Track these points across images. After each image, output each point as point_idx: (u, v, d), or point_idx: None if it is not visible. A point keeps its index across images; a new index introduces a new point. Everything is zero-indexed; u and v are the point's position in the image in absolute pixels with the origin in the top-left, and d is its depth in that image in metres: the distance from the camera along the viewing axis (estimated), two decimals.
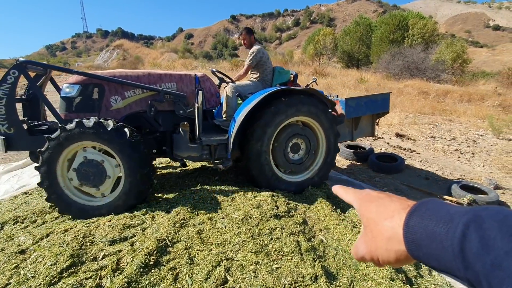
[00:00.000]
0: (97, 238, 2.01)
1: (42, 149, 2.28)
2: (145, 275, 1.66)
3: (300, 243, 2.01)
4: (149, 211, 2.40)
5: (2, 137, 2.48)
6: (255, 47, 3.53)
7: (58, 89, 3.09)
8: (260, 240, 2.00)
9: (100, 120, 2.38)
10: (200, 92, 2.80)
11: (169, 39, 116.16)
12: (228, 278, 1.68)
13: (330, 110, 3.24)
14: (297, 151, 3.15)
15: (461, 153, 5.88)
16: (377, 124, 4.49)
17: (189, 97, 2.94)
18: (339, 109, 3.66)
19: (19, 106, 2.63)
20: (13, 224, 2.41)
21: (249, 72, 3.67)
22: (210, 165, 3.84)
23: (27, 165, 4.24)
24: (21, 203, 2.87)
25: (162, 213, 2.35)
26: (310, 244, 2.02)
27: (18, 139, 2.53)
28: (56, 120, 2.69)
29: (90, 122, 2.31)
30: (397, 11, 28.86)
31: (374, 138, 6.35)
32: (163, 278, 1.66)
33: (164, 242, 1.93)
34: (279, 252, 1.91)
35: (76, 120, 2.33)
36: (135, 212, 2.38)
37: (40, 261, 1.75)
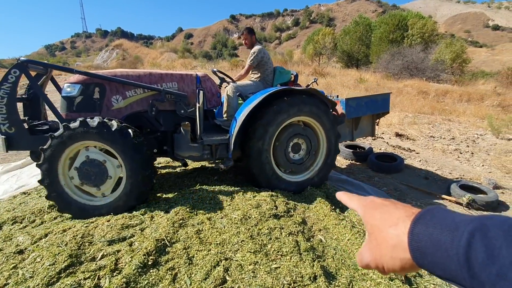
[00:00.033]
0: (95, 238, 2.01)
1: (44, 147, 2.28)
2: (144, 275, 1.66)
3: (299, 243, 2.01)
4: (148, 211, 2.40)
5: (3, 136, 2.48)
6: (256, 47, 3.54)
7: (59, 89, 3.08)
8: (259, 240, 2.00)
9: (104, 120, 2.37)
10: (201, 92, 2.80)
11: (168, 39, 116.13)
12: (227, 278, 1.67)
13: (331, 110, 3.25)
14: (298, 151, 3.15)
15: (461, 153, 5.88)
16: (377, 124, 4.50)
17: (190, 97, 2.94)
18: (340, 109, 3.67)
19: (19, 106, 2.62)
20: (12, 224, 2.40)
21: (250, 72, 3.67)
22: (210, 165, 3.84)
23: (26, 165, 4.23)
24: (20, 203, 2.87)
25: (161, 213, 2.35)
26: (309, 244, 2.02)
27: (19, 138, 2.53)
28: (57, 120, 2.69)
29: (94, 121, 2.31)
30: (397, 11, 28.84)
31: (373, 138, 6.35)
32: (161, 278, 1.66)
33: (162, 242, 1.93)
34: (278, 252, 1.91)
35: (80, 119, 2.32)
36: (134, 212, 2.38)
37: (39, 261, 1.74)
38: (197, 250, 1.89)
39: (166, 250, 1.88)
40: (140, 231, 2.11)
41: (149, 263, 1.74)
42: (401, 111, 9.80)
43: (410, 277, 1.91)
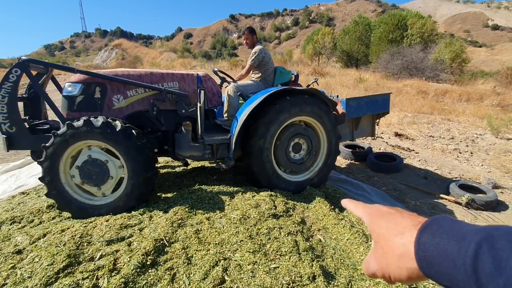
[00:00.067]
0: (94, 238, 2.00)
1: (47, 144, 2.28)
2: (142, 275, 1.65)
3: (298, 243, 2.01)
4: (146, 210, 2.40)
5: (4, 136, 2.47)
6: (258, 47, 3.55)
7: (59, 88, 3.08)
8: (258, 240, 2.00)
9: (108, 120, 2.37)
10: (202, 91, 2.80)
11: (168, 38, 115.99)
12: (226, 278, 1.67)
13: (332, 111, 3.25)
14: (299, 150, 3.16)
15: (460, 153, 5.88)
16: (377, 124, 4.50)
17: (191, 97, 2.94)
18: (340, 109, 3.68)
19: (20, 105, 2.61)
20: (10, 224, 2.40)
21: (251, 72, 3.68)
22: (209, 165, 3.84)
23: (25, 165, 4.23)
24: (19, 203, 2.86)
25: (159, 212, 2.35)
26: (308, 244, 2.01)
27: (20, 138, 2.52)
28: (57, 119, 2.69)
29: (98, 121, 2.31)
30: (396, 11, 28.81)
31: (373, 137, 6.35)
32: (160, 278, 1.65)
33: (161, 242, 1.92)
34: (277, 251, 1.90)
35: (84, 118, 2.32)
36: (133, 212, 2.38)
37: (37, 261, 1.74)
38: (196, 250, 1.89)
39: (165, 250, 1.88)
40: (138, 231, 2.11)
41: (148, 263, 1.73)
42: (400, 111, 9.80)
43: None
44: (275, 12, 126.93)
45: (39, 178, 2.33)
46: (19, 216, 2.50)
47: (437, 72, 18.76)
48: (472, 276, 0.31)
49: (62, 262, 1.70)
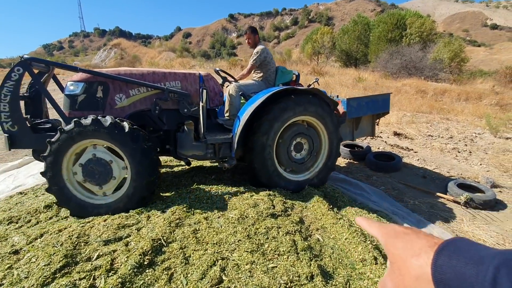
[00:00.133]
0: (91, 238, 1.99)
1: (52, 140, 2.26)
2: (140, 275, 1.65)
3: (296, 242, 2.00)
4: (144, 210, 2.39)
5: (6, 134, 2.46)
6: (260, 47, 3.55)
7: (61, 87, 3.07)
8: (256, 240, 1.99)
9: (117, 120, 2.36)
10: (204, 91, 2.79)
11: (167, 38, 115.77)
12: (224, 277, 1.67)
13: (333, 111, 3.26)
14: (300, 150, 3.16)
15: (459, 152, 5.89)
16: (377, 124, 4.51)
17: (193, 96, 2.94)
18: (341, 108, 3.69)
19: (21, 104, 2.60)
20: (7, 224, 2.39)
21: (253, 72, 3.67)
22: (207, 165, 3.83)
23: (23, 165, 4.22)
24: (16, 203, 2.85)
25: (157, 212, 2.34)
26: (306, 243, 2.01)
27: (21, 136, 2.52)
28: (59, 118, 2.68)
29: (106, 121, 2.30)
30: (395, 10, 28.80)
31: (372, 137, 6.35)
32: (157, 278, 1.65)
33: (159, 242, 1.92)
34: (275, 251, 1.90)
35: (92, 116, 2.31)
36: (130, 211, 2.37)
37: (34, 262, 1.73)
38: (194, 250, 1.88)
39: (163, 250, 1.87)
40: (136, 230, 2.10)
41: (145, 263, 1.73)
42: (399, 110, 9.81)
43: None
44: (274, 12, 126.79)
45: (41, 173, 2.32)
46: (17, 216, 2.49)
47: (436, 71, 18.79)
48: None
49: (59, 262, 1.69)
